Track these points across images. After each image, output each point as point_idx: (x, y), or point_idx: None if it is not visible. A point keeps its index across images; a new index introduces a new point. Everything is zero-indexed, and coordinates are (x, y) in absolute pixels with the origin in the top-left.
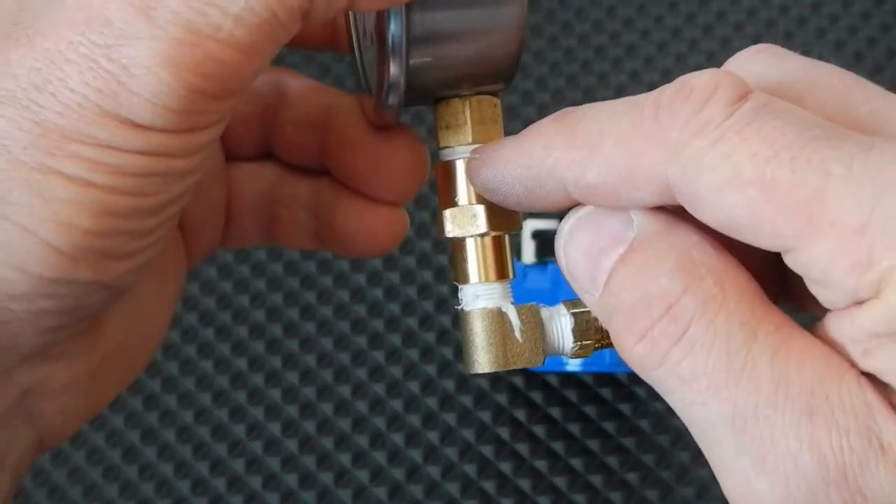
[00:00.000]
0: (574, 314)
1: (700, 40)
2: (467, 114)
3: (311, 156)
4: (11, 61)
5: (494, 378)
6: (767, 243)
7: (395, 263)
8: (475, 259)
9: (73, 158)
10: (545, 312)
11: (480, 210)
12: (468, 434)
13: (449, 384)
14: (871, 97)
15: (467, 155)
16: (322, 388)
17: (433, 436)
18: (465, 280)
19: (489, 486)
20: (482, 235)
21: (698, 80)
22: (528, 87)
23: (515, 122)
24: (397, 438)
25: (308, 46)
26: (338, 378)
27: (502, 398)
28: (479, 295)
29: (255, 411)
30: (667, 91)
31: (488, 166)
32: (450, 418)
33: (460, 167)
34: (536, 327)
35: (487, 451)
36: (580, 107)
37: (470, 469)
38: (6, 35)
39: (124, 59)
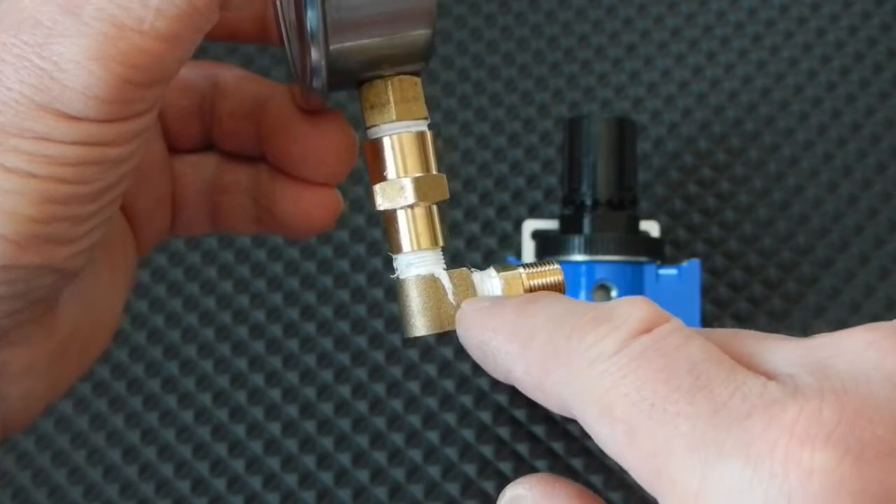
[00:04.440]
0: (503, 276)
1: (700, 40)
2: (390, 93)
3: (248, 144)
4: None
5: (495, 378)
6: (638, 479)
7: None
8: (406, 229)
9: (13, 152)
10: (476, 276)
11: (408, 182)
12: (468, 434)
13: (449, 384)
14: None
15: (393, 132)
16: (322, 388)
17: (433, 436)
18: (399, 250)
19: (489, 486)
20: (411, 206)
21: (618, 309)
22: (527, 86)
23: (516, 121)
24: (397, 438)
25: (240, 39)
26: (338, 378)
27: (502, 398)
28: (412, 263)
29: (255, 411)
30: (591, 314)
31: (461, 324)
32: (450, 418)
33: (387, 143)
34: (468, 290)
35: (487, 451)
36: (542, 296)
37: (470, 469)
38: None
39: (55, 56)
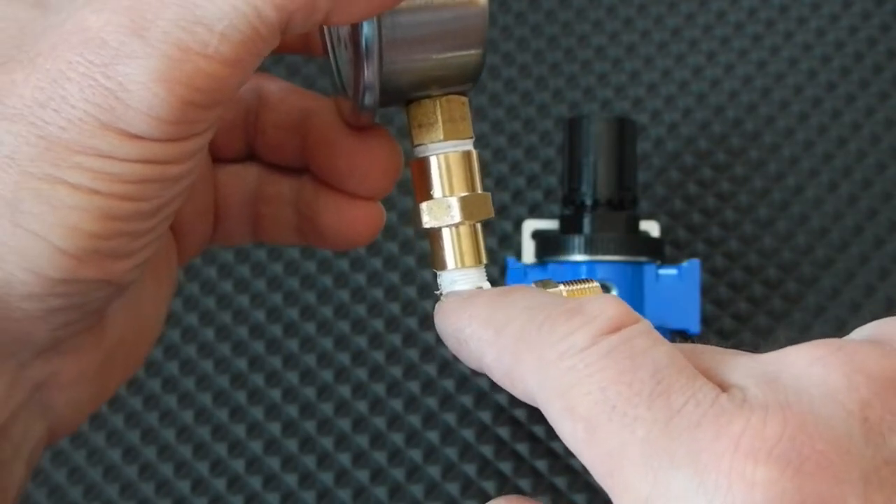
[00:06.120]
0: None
1: (700, 40)
2: (438, 113)
3: (291, 156)
4: (17, 82)
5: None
6: (594, 475)
7: (395, 263)
8: (451, 247)
9: (76, 169)
10: None
11: (454, 201)
12: (468, 434)
13: (449, 384)
14: None
15: (440, 151)
16: (322, 388)
17: (433, 436)
18: (443, 267)
19: (489, 486)
20: (457, 225)
21: (590, 305)
22: (527, 86)
23: (515, 121)
24: (397, 438)
25: (283, 51)
26: (338, 378)
27: (502, 398)
28: (456, 280)
29: (255, 411)
30: (565, 306)
31: (438, 314)
32: (450, 418)
33: (434, 163)
34: None
35: (487, 451)
36: (519, 288)
37: (470, 469)
38: (10, 57)
39: (120, 77)
